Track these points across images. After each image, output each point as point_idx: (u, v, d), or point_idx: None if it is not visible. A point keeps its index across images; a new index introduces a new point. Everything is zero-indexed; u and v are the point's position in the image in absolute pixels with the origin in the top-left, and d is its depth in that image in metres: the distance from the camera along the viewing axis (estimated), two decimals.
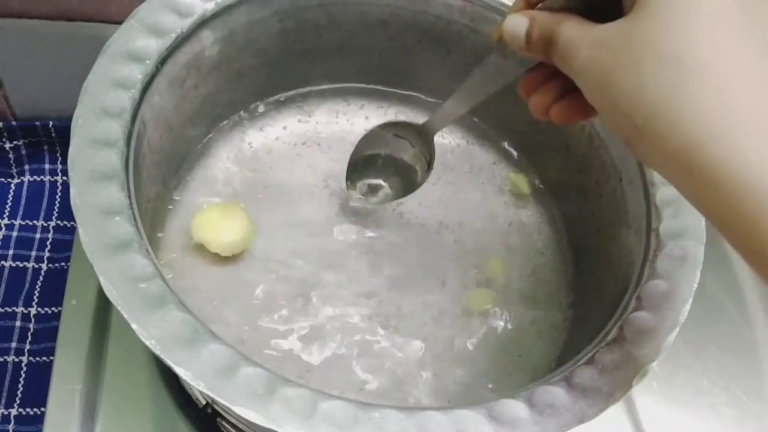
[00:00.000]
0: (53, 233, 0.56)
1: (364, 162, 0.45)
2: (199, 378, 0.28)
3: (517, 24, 0.29)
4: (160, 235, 0.43)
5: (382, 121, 0.51)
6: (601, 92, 0.25)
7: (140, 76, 0.36)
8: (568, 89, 0.30)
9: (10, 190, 0.58)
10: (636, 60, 0.23)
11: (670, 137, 0.23)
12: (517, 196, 0.49)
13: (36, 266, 0.54)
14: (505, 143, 0.51)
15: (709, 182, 0.22)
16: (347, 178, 0.45)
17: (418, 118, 0.51)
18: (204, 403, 0.41)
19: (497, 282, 0.45)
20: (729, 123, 0.22)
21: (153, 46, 0.37)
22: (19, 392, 0.49)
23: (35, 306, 0.52)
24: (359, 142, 0.44)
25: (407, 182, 0.45)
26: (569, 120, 0.31)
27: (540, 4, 0.29)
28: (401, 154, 0.44)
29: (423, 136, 0.42)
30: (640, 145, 0.24)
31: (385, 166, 0.45)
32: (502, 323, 0.44)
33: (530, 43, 0.29)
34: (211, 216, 0.42)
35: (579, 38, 0.26)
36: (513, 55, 0.31)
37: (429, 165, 0.43)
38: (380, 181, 0.45)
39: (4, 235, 0.56)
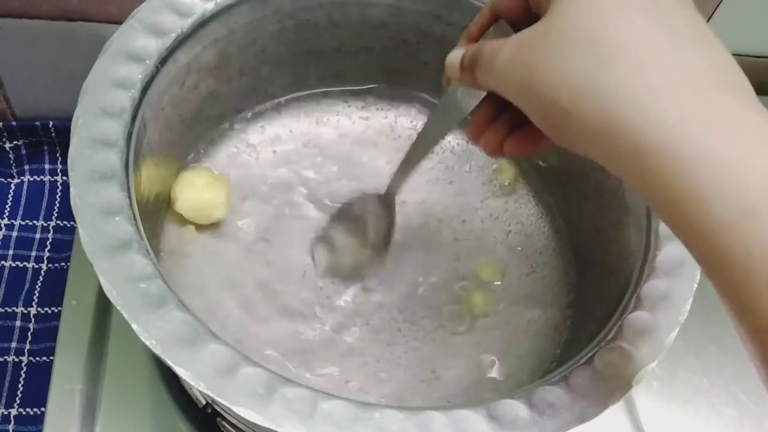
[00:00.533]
0: (53, 233, 0.56)
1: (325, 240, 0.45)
2: (199, 378, 0.28)
3: (455, 55, 0.31)
4: (160, 235, 0.43)
5: (381, 121, 0.51)
6: (524, 88, 0.26)
7: (140, 76, 0.36)
8: (516, 124, 0.31)
9: (10, 190, 0.58)
10: (555, 49, 0.24)
11: (595, 114, 0.24)
12: (502, 187, 0.49)
13: (36, 266, 0.54)
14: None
15: (633, 151, 0.23)
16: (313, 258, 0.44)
17: (418, 118, 0.51)
18: (204, 403, 0.41)
19: (493, 284, 0.45)
20: (647, 93, 0.23)
21: (153, 46, 0.37)
22: (19, 392, 0.49)
23: (35, 306, 0.52)
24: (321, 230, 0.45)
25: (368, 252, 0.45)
26: (524, 153, 0.32)
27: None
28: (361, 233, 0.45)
29: (384, 204, 0.43)
30: (566, 128, 0.25)
31: (343, 243, 0.45)
32: (501, 323, 0.44)
33: (462, 71, 0.30)
34: (195, 179, 0.43)
35: (498, 47, 0.27)
36: (460, 95, 0.33)
37: (389, 232, 0.44)
38: (340, 258, 0.44)
39: (4, 235, 0.56)
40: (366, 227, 0.44)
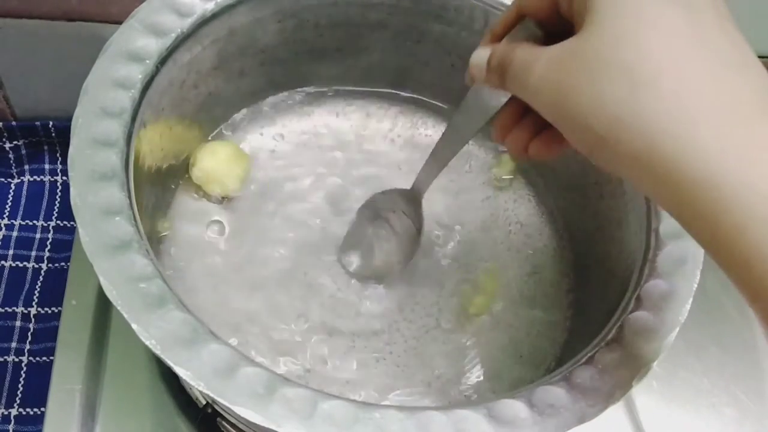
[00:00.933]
0: (53, 233, 0.56)
1: (355, 241, 0.45)
2: (199, 378, 0.28)
3: (480, 56, 0.30)
4: (160, 234, 0.43)
5: (383, 121, 0.51)
6: (558, 108, 0.25)
7: (140, 76, 0.36)
8: (542, 124, 0.30)
9: (10, 190, 0.58)
10: (590, 73, 0.24)
11: (631, 141, 0.23)
12: (499, 180, 0.49)
13: (36, 266, 0.54)
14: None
15: (670, 180, 0.23)
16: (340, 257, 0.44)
17: (418, 118, 0.51)
18: (204, 403, 0.41)
19: (491, 289, 0.45)
20: (685, 121, 0.22)
21: (153, 46, 0.37)
22: (19, 392, 0.49)
23: (35, 306, 0.52)
24: (353, 223, 0.45)
25: (400, 253, 0.44)
26: (549, 155, 0.32)
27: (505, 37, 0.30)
28: (390, 228, 0.44)
29: (411, 202, 0.43)
30: (602, 152, 0.25)
31: (375, 244, 0.45)
32: (501, 323, 0.44)
33: (489, 72, 0.30)
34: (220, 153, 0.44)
35: (531, 59, 0.26)
36: (486, 94, 0.33)
37: (419, 232, 0.43)
38: (371, 260, 0.44)
39: (4, 235, 0.56)
40: (395, 228, 0.44)
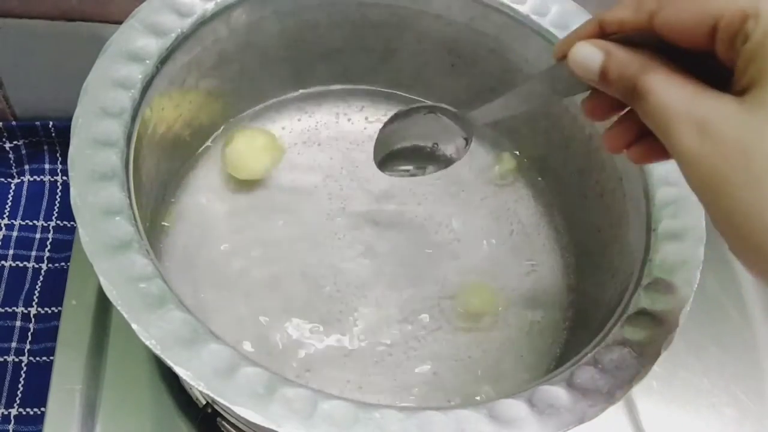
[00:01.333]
0: (53, 233, 0.56)
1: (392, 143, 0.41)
2: (199, 378, 0.28)
3: (590, 56, 0.25)
4: (160, 234, 0.43)
5: (381, 121, 0.51)
6: (711, 196, 0.22)
7: (140, 76, 0.36)
8: (646, 130, 0.25)
9: (10, 190, 0.58)
10: (755, 176, 0.20)
11: None
12: (502, 176, 0.49)
13: (36, 266, 0.54)
14: (506, 143, 0.51)
15: None
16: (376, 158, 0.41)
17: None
18: (204, 403, 0.41)
19: (488, 295, 0.45)
20: None
21: (153, 46, 0.37)
22: (19, 392, 0.49)
23: (35, 306, 0.52)
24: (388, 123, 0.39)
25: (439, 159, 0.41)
26: (648, 161, 0.28)
27: (615, 35, 0.25)
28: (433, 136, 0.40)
29: (461, 120, 0.39)
30: (753, 264, 0.21)
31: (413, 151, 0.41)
32: (501, 323, 0.44)
33: (606, 82, 0.25)
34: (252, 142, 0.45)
35: (676, 109, 0.22)
36: (566, 79, 0.28)
37: (467, 141, 0.39)
38: (408, 166, 0.41)
39: (4, 235, 0.56)
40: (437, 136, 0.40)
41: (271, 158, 0.46)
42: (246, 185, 0.46)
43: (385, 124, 0.39)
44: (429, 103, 0.38)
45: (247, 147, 0.45)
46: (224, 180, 0.46)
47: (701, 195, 0.22)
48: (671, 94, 0.22)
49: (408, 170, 0.41)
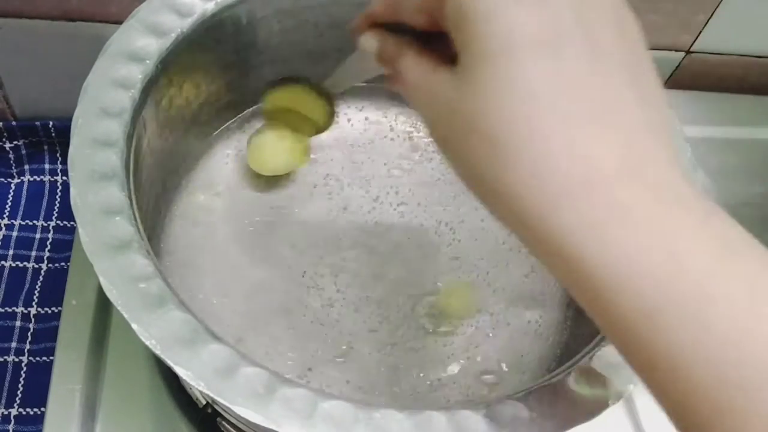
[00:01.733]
0: (53, 233, 0.56)
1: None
2: (199, 378, 0.28)
3: (368, 43, 0.30)
4: (160, 234, 0.43)
5: (382, 120, 0.51)
6: (446, 156, 0.25)
7: (140, 76, 0.36)
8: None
9: (10, 190, 0.58)
10: (461, 135, 0.23)
11: (506, 217, 0.23)
12: None
13: (36, 266, 0.54)
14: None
15: (544, 255, 0.23)
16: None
17: (418, 117, 0.51)
18: (204, 403, 0.41)
19: (466, 297, 0.45)
20: (547, 203, 0.21)
21: (153, 46, 0.37)
22: (19, 392, 0.49)
23: (35, 306, 0.52)
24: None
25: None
26: None
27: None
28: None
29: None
30: (487, 206, 0.24)
31: None
32: (501, 323, 0.44)
33: (383, 64, 0.29)
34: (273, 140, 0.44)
35: (415, 88, 0.26)
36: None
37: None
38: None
39: (4, 235, 0.56)
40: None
41: (295, 159, 0.46)
42: (246, 185, 0.46)
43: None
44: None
45: (274, 144, 0.44)
46: (224, 180, 0.46)
47: (443, 155, 0.25)
48: (415, 74, 0.26)
49: None
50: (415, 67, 0.26)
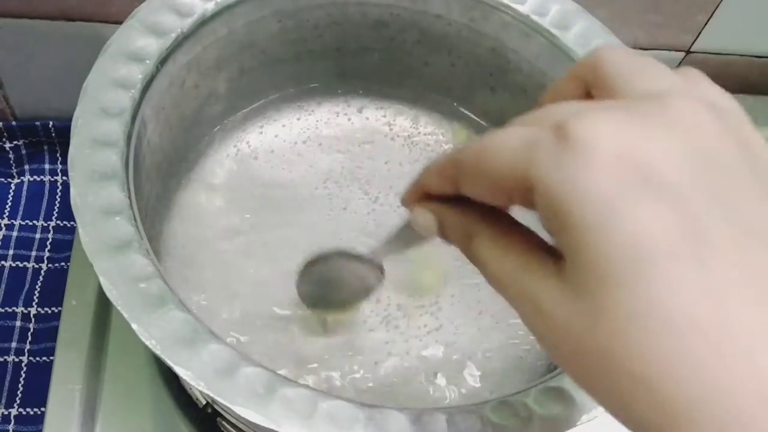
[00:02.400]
0: (53, 233, 0.56)
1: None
2: (199, 378, 0.28)
3: (426, 222, 0.24)
4: (160, 234, 0.43)
5: (382, 120, 0.51)
6: (567, 371, 0.20)
7: (140, 76, 0.36)
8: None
9: (10, 190, 0.58)
10: (595, 368, 0.18)
11: None
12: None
13: (36, 266, 0.54)
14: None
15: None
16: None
17: (418, 118, 0.51)
18: (204, 403, 0.41)
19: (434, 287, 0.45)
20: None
21: (153, 46, 0.37)
22: (19, 392, 0.49)
23: (35, 306, 0.52)
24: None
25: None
26: None
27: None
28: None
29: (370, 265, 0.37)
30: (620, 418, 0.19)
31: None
32: (501, 323, 0.44)
33: (448, 241, 0.24)
34: None
35: (510, 286, 0.20)
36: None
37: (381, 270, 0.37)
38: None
39: (4, 235, 0.56)
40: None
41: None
42: (246, 185, 0.46)
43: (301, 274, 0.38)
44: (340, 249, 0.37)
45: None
46: (224, 180, 0.46)
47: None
48: (500, 268, 0.21)
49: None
50: (497, 260, 0.21)
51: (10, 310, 0.52)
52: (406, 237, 0.31)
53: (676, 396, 0.16)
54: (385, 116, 0.51)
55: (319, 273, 0.38)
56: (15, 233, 0.56)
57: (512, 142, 0.19)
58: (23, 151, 0.58)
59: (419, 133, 0.51)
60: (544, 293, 0.19)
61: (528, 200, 0.19)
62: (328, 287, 0.39)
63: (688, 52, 0.61)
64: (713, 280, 0.17)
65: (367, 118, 0.51)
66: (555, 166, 0.18)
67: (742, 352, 0.16)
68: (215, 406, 0.40)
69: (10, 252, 0.55)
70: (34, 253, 0.55)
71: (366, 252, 0.35)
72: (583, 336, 0.18)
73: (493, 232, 0.21)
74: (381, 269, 0.36)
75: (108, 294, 0.29)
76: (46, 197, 0.58)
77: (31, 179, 0.59)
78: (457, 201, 0.22)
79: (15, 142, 0.58)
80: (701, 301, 0.16)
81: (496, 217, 0.21)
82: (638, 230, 0.17)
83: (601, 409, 0.24)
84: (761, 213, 0.17)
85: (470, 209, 0.22)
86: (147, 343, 0.28)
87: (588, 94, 0.21)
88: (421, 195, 0.24)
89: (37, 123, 0.57)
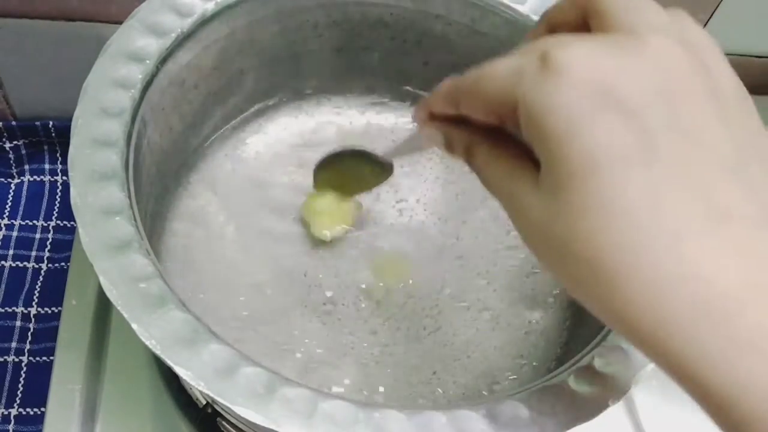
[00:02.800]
0: (53, 233, 0.56)
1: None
2: (199, 378, 0.28)
3: (434, 136, 0.28)
4: (160, 234, 0.43)
5: (383, 121, 0.51)
6: (538, 259, 0.24)
7: (140, 76, 0.36)
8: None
9: (10, 190, 0.58)
10: (556, 254, 0.22)
11: (608, 322, 0.22)
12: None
13: (36, 266, 0.54)
14: None
15: (666, 369, 0.21)
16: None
17: None
18: (204, 403, 0.41)
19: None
20: (651, 327, 0.20)
21: (153, 46, 0.37)
22: (19, 392, 0.49)
23: (35, 306, 0.52)
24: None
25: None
26: None
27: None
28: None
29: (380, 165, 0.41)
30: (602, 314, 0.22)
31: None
32: (501, 323, 0.44)
33: (454, 155, 0.28)
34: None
35: (497, 187, 0.25)
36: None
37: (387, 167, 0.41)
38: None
39: (4, 235, 0.56)
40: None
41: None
42: (246, 185, 0.46)
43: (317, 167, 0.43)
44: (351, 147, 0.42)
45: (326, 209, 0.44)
46: (224, 180, 0.46)
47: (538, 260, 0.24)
48: (492, 174, 0.25)
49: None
50: (490, 168, 0.25)
51: (10, 310, 0.52)
52: (414, 143, 0.36)
53: (611, 268, 0.20)
54: (385, 117, 0.51)
55: (336, 163, 0.42)
56: (15, 233, 0.56)
57: (504, 70, 0.23)
58: (23, 151, 0.58)
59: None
60: (523, 194, 0.23)
61: (514, 119, 0.22)
62: (342, 176, 0.43)
63: None
64: (654, 180, 0.20)
65: (367, 119, 0.51)
66: (535, 86, 0.21)
67: (668, 233, 0.20)
68: (215, 406, 0.40)
69: (10, 252, 0.55)
70: (34, 253, 0.55)
71: (379, 153, 0.40)
72: (549, 226, 0.22)
73: (488, 146, 0.25)
74: (391, 166, 0.41)
75: (108, 294, 0.29)
76: (46, 197, 0.58)
77: (31, 179, 0.59)
78: (460, 121, 0.26)
79: (15, 142, 0.58)
80: (640, 195, 0.20)
81: (492, 134, 0.25)
82: (597, 140, 0.20)
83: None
84: (712, 128, 0.21)
85: (471, 127, 0.26)
86: (147, 343, 0.28)
87: (585, 23, 0.24)
88: (429, 114, 0.28)
89: (37, 123, 0.57)
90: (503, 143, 0.25)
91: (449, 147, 0.27)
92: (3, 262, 0.54)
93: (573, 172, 0.20)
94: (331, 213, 0.44)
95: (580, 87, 0.20)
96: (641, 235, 0.20)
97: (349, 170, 0.42)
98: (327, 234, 0.44)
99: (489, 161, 0.25)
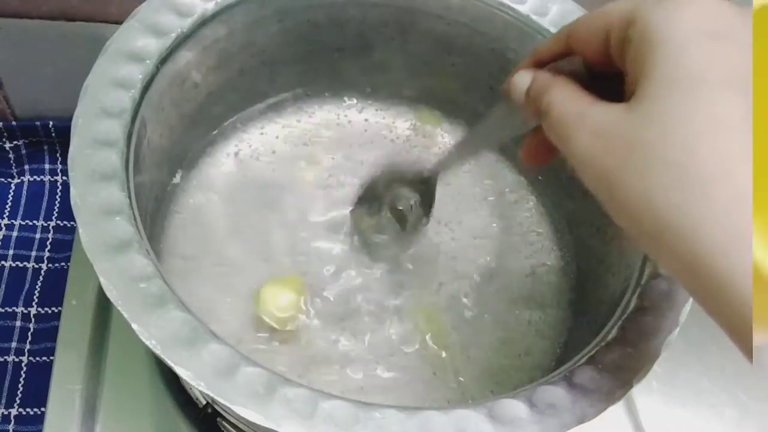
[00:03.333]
0: (53, 233, 0.56)
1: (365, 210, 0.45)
2: (199, 378, 0.28)
3: (522, 80, 0.29)
4: (160, 234, 0.43)
5: (383, 121, 0.51)
6: (605, 191, 0.25)
7: (140, 76, 0.36)
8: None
9: (10, 190, 0.58)
10: (639, 165, 0.23)
11: (678, 247, 0.22)
12: (425, 134, 0.50)
13: (36, 266, 0.54)
14: (506, 141, 0.51)
15: (718, 295, 0.22)
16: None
17: (418, 118, 0.51)
18: (204, 403, 0.41)
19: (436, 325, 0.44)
20: (736, 239, 0.21)
21: (153, 46, 0.37)
22: (19, 392, 0.49)
23: (35, 306, 0.52)
24: (360, 192, 0.44)
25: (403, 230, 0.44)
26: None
27: (550, 65, 0.29)
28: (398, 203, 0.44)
29: (425, 183, 0.42)
30: (649, 247, 0.24)
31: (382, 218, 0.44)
32: (501, 323, 0.44)
33: (527, 101, 0.29)
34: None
35: (574, 120, 0.26)
36: (517, 111, 0.31)
37: (427, 212, 0.42)
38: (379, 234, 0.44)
39: (4, 235, 0.56)
40: (406, 215, 0.43)
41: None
42: (246, 185, 0.46)
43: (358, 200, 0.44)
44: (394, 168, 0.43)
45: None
46: (224, 180, 0.46)
47: (597, 192, 0.25)
48: (568, 107, 0.26)
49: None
50: (570, 98, 0.26)
51: (10, 310, 0.52)
52: (468, 148, 0.38)
53: (706, 172, 0.22)
54: (385, 117, 0.51)
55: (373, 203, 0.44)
56: (15, 233, 0.56)
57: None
58: (23, 151, 0.58)
59: (419, 134, 0.51)
60: (605, 113, 0.24)
61: (620, 42, 0.25)
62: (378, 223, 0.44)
63: None
64: (749, 109, 0.22)
65: (367, 119, 0.51)
66: (656, 6, 0.24)
67: (721, 201, 0.21)
68: (215, 406, 0.40)
69: (10, 252, 0.55)
70: (34, 253, 0.55)
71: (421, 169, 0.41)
72: (634, 131, 0.23)
73: (571, 87, 0.27)
74: (427, 214, 0.42)
75: (108, 294, 0.29)
76: (46, 197, 0.58)
77: (31, 179, 0.59)
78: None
79: (15, 142, 0.58)
80: (739, 120, 0.22)
81: (579, 82, 0.27)
82: (709, 58, 0.22)
83: None
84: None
85: (563, 73, 0.28)
86: (147, 343, 0.28)
87: None
88: (530, 62, 0.30)
89: (37, 123, 0.57)
90: (580, 85, 0.27)
91: (529, 92, 0.29)
92: (3, 262, 0.54)
93: (678, 81, 0.22)
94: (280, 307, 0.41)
95: (698, 15, 0.23)
96: (736, 152, 0.21)
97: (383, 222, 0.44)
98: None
99: (569, 94, 0.26)
